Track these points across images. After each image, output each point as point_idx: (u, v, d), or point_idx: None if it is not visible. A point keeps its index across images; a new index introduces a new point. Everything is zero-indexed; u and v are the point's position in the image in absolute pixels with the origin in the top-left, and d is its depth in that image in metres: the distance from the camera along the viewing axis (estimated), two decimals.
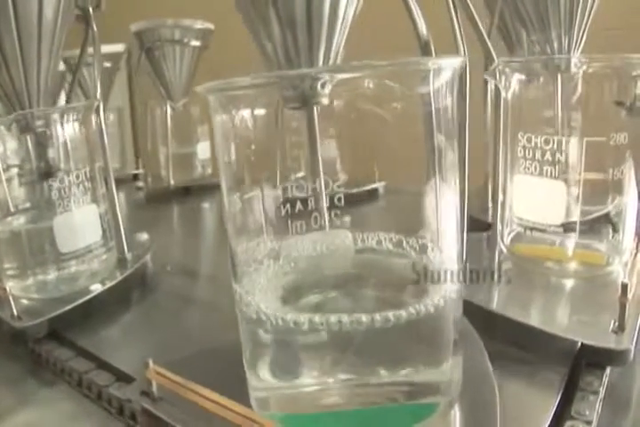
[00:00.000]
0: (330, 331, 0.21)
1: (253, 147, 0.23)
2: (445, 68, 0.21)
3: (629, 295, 0.31)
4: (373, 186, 0.55)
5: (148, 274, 0.47)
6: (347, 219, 0.24)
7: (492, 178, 0.40)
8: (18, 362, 0.36)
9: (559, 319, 0.33)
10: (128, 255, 0.46)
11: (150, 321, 0.40)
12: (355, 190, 0.39)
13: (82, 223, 0.39)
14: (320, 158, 0.26)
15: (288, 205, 0.22)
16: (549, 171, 0.36)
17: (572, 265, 0.37)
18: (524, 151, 0.37)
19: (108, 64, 0.85)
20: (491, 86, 0.48)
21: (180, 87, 0.79)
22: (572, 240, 0.37)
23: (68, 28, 0.42)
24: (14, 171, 0.40)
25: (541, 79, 0.37)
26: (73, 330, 0.36)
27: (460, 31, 0.36)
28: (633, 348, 0.30)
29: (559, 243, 0.37)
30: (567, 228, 0.37)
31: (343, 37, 0.26)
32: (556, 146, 0.36)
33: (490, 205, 0.45)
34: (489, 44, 0.38)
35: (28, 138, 0.39)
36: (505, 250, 0.39)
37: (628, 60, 0.34)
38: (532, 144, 0.36)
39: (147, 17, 0.75)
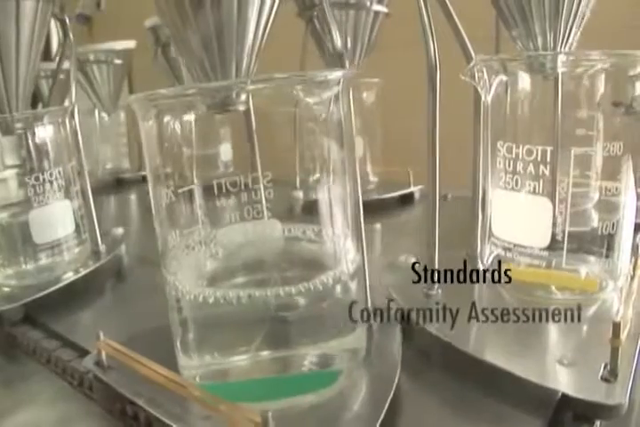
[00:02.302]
0: (232, 306, 0.24)
1: (182, 148, 0.26)
2: (329, 80, 0.24)
3: (623, 336, 0.26)
4: None
5: (122, 265, 0.50)
6: (276, 211, 0.26)
7: (472, 192, 0.35)
8: None
9: (538, 361, 0.28)
10: (102, 248, 0.49)
11: (118, 307, 0.43)
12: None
13: (55, 217, 0.43)
14: (258, 156, 0.28)
15: (222, 199, 0.25)
16: (533, 186, 0.32)
17: (559, 292, 0.33)
18: (505, 163, 0.32)
19: (118, 61, 0.84)
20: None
21: None
22: (559, 263, 0.32)
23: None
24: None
25: (524, 80, 0.32)
26: (46, 314, 0.40)
27: (431, 26, 0.32)
28: (627, 401, 0.24)
29: (544, 266, 0.33)
30: (554, 248, 0.32)
31: (254, 51, 0.27)
32: (540, 157, 0.31)
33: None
34: (466, 40, 0.33)
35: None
36: None
37: (624, 58, 0.30)
38: (513, 155, 0.32)
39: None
